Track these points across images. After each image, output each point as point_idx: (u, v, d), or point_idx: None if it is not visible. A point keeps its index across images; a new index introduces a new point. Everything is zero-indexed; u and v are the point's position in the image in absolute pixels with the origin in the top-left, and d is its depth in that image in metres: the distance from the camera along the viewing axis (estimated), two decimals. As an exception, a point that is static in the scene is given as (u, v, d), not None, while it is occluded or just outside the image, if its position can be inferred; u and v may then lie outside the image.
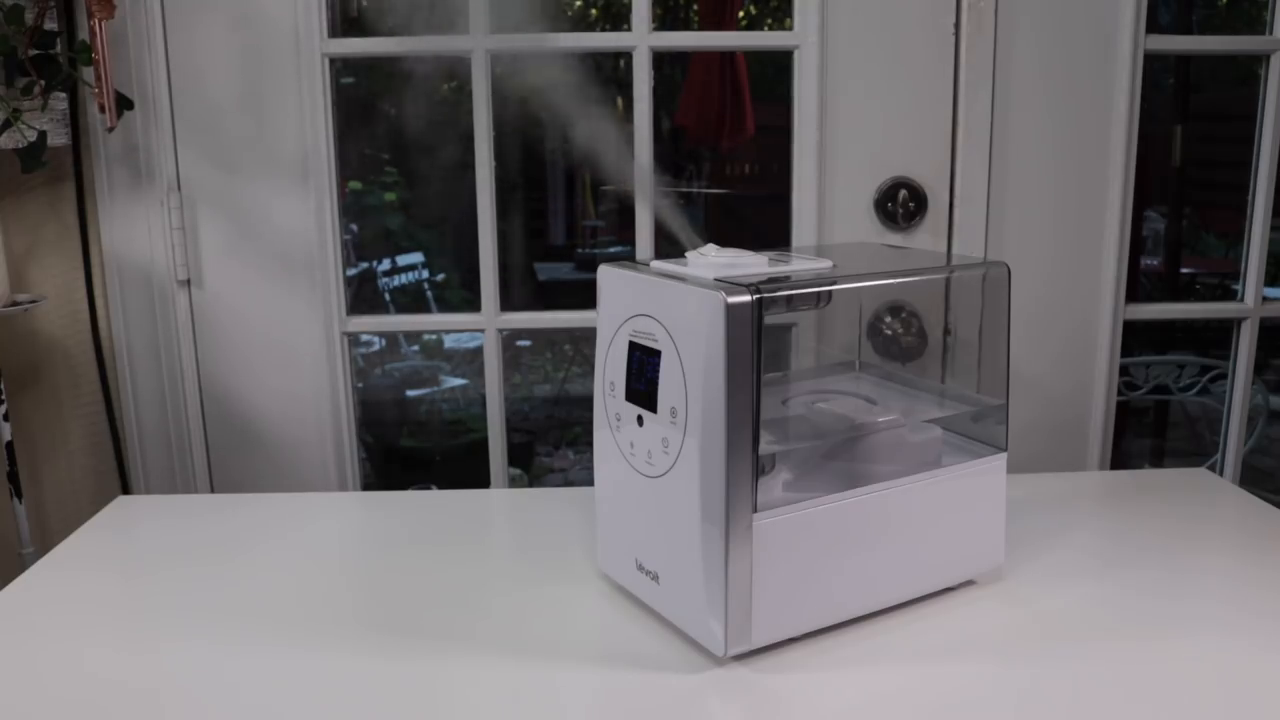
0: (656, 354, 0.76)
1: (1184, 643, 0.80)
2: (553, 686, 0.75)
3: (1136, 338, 2.52)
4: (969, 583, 0.89)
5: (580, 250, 3.85)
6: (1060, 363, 1.40)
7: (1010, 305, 0.87)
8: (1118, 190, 1.35)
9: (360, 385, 3.04)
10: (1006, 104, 1.33)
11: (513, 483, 1.88)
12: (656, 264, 0.80)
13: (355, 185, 3.41)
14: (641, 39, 1.31)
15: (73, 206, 1.31)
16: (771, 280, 0.74)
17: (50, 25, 1.23)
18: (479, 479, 1.44)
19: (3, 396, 1.28)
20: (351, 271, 3.40)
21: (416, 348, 3.41)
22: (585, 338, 3.08)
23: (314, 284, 1.35)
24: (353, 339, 1.42)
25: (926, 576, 0.85)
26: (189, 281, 1.35)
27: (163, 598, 0.90)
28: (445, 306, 3.61)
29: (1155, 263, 3.11)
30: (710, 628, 0.76)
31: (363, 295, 3.44)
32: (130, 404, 1.37)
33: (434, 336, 3.40)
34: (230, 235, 1.34)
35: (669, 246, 0.86)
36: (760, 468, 0.73)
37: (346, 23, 1.36)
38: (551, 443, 3.17)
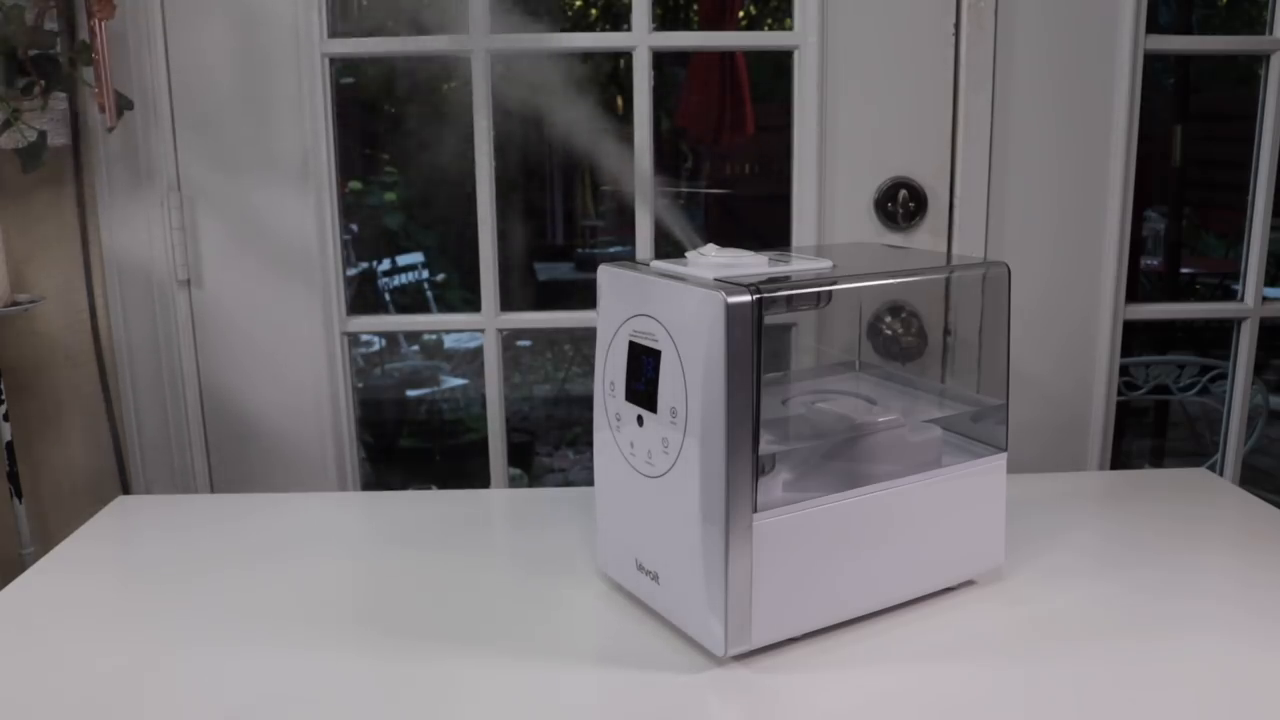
0: (656, 354, 0.76)
1: (1184, 642, 0.80)
2: (553, 686, 0.75)
3: (1136, 338, 2.52)
4: (969, 583, 0.89)
5: (580, 250, 3.85)
6: (1060, 363, 1.39)
7: (1010, 305, 0.87)
8: (1118, 190, 1.35)
9: (360, 385, 3.04)
10: (1006, 104, 1.32)
11: (513, 483, 1.88)
12: (656, 264, 0.80)
13: (355, 185, 3.41)
14: (641, 39, 1.31)
15: (73, 206, 1.31)
16: (771, 280, 0.74)
17: (50, 25, 1.23)
18: (479, 479, 1.44)
19: (3, 396, 1.28)
20: (351, 271, 3.40)
21: (416, 348, 3.41)
22: (585, 338, 3.08)
23: (314, 284, 1.35)
24: (353, 339, 1.42)
25: (926, 576, 0.85)
26: (189, 281, 1.35)
27: (162, 597, 0.90)
28: (445, 306, 3.61)
29: (1155, 263, 3.12)
30: (710, 628, 0.76)
31: (363, 295, 3.44)
32: (130, 404, 1.36)
33: (434, 336, 3.41)
34: (230, 235, 1.34)
35: (669, 246, 0.86)
36: (760, 468, 0.73)
37: (347, 23, 1.36)
38: (551, 443, 3.17)
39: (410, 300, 3.55)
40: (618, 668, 0.77)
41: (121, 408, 1.37)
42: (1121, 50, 1.32)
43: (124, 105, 1.24)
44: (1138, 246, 1.99)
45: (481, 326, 1.39)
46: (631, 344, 0.79)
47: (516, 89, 1.34)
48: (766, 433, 0.75)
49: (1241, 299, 1.44)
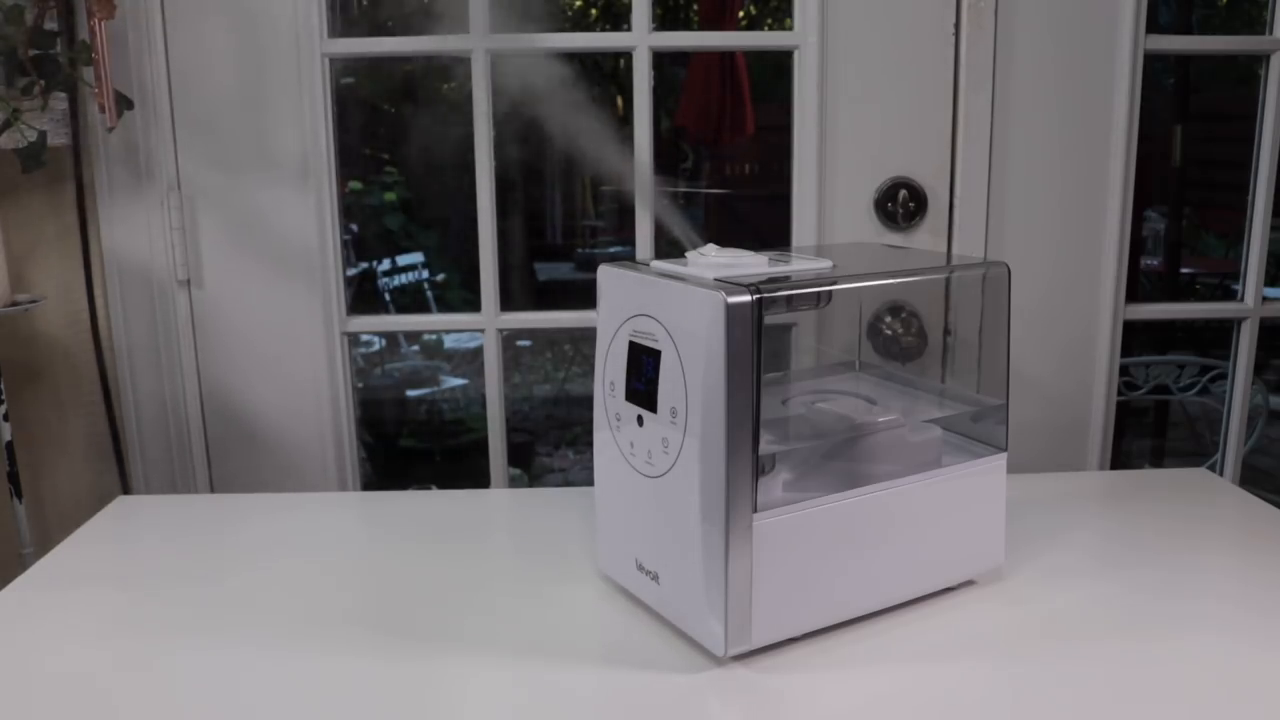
0: (656, 354, 0.76)
1: (1184, 642, 0.80)
2: (553, 686, 0.75)
3: (1136, 338, 2.52)
4: (969, 583, 0.89)
5: (580, 250, 3.86)
6: (1060, 363, 1.39)
7: (1010, 305, 0.87)
8: (1118, 190, 1.35)
9: (360, 385, 3.04)
10: (1006, 104, 1.32)
11: (513, 483, 1.88)
12: (656, 264, 0.80)
13: (355, 185, 3.41)
14: (641, 39, 1.31)
15: (73, 206, 1.31)
16: (771, 280, 0.74)
17: (50, 25, 1.23)
18: (479, 479, 1.44)
19: (3, 396, 1.28)
20: (351, 271, 3.40)
21: (416, 348, 3.41)
22: (585, 338, 3.08)
23: (314, 284, 1.35)
24: (353, 339, 1.42)
25: (926, 576, 0.85)
26: (189, 281, 1.35)
27: (162, 597, 0.90)
28: (445, 306, 3.62)
29: (1155, 263, 3.12)
30: (710, 628, 0.76)
31: (363, 295, 3.45)
32: (130, 404, 1.36)
33: (434, 336, 3.41)
34: (230, 235, 1.34)
35: (669, 246, 0.86)
36: (760, 468, 0.73)
37: (347, 22, 1.36)
38: (551, 443, 3.17)
39: (410, 300, 3.56)
40: (618, 668, 0.77)
41: (121, 408, 1.37)
42: (1121, 50, 1.32)
43: (124, 105, 1.24)
44: (1138, 246, 1.99)
45: (481, 326, 1.39)
46: (631, 344, 0.79)
47: (516, 89, 1.34)
48: (766, 433, 0.75)
49: (1241, 299, 1.44)
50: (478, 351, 1.93)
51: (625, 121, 1.33)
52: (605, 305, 0.82)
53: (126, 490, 1.37)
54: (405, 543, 1.02)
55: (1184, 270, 3.22)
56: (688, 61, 2.81)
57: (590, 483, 0.88)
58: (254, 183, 1.33)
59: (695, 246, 0.81)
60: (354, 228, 3.51)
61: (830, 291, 0.79)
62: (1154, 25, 1.33)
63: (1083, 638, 0.81)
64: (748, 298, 0.71)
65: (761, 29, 3.51)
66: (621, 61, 1.39)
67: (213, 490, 1.39)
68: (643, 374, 0.77)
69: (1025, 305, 1.32)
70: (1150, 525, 1.03)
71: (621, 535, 0.85)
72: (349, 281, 1.41)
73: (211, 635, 0.83)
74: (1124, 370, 2.25)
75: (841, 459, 0.81)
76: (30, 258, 1.33)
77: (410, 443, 2.93)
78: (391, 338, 3.31)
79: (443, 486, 2.29)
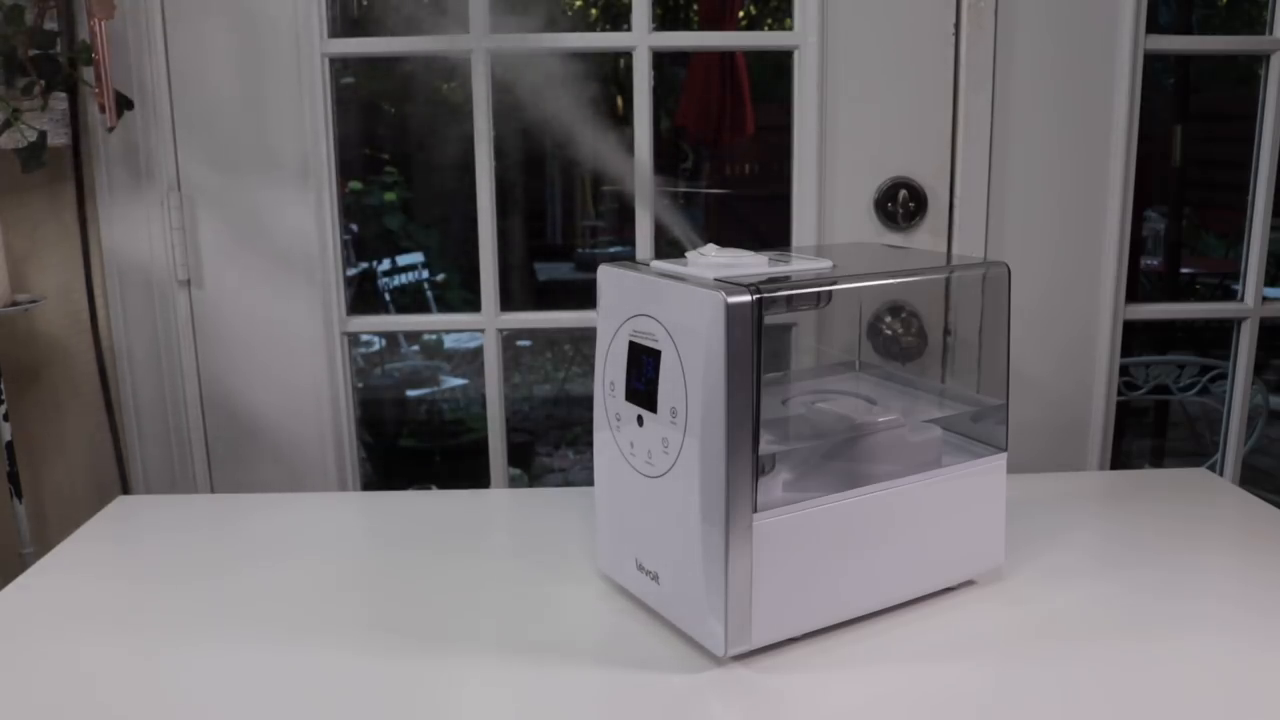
0: (656, 354, 0.76)
1: (1184, 642, 0.81)
2: (553, 686, 0.75)
3: (1136, 338, 2.52)
4: (969, 583, 0.89)
5: (580, 250, 3.86)
6: (1060, 363, 1.39)
7: (1010, 305, 0.87)
8: (1118, 190, 1.35)
9: (360, 385, 3.04)
10: (1006, 104, 1.32)
11: (513, 483, 1.88)
12: (656, 264, 0.80)
13: (355, 185, 3.41)
14: (641, 39, 1.31)
15: (73, 206, 1.31)
16: (771, 280, 0.74)
17: (50, 25, 1.23)
18: (479, 479, 1.44)
19: (3, 396, 1.28)
20: (351, 271, 3.40)
21: (416, 348, 3.41)
22: (585, 338, 3.08)
23: (314, 284, 1.35)
24: (353, 339, 1.42)
25: (926, 576, 0.85)
26: (189, 281, 1.35)
27: (162, 597, 0.90)
28: (445, 306, 3.62)
29: (1155, 263, 3.12)
30: (710, 628, 0.76)
31: (363, 295, 3.44)
32: (130, 404, 1.36)
33: (434, 336, 3.41)
34: (230, 235, 1.34)
35: (669, 247, 0.86)
36: (760, 468, 0.73)
37: (347, 22, 1.36)
38: (551, 443, 3.17)
39: (410, 300, 3.56)
40: (618, 668, 0.77)
41: (121, 408, 1.37)
42: (1121, 50, 1.32)
43: (124, 105, 1.24)
44: (1138, 246, 1.99)
45: (481, 326, 1.39)
46: (631, 344, 0.79)
47: (516, 89, 1.34)
48: (766, 433, 0.75)
49: (1241, 299, 1.44)
50: (478, 351, 1.93)
51: (625, 121, 1.33)
52: (605, 305, 0.82)
53: (126, 490, 1.37)
54: (405, 542, 1.02)
55: (1184, 270, 3.22)
56: (688, 61, 2.81)
57: (590, 483, 0.88)
58: (254, 183, 1.33)
59: (695, 246, 0.81)
60: (354, 228, 3.51)
61: (830, 291, 0.79)
62: (1154, 25, 1.33)
63: (1083, 638, 0.81)
64: (748, 298, 0.71)
65: (761, 29, 3.51)
66: (621, 61, 1.38)
67: (213, 490, 1.39)
68: (643, 374, 0.77)
69: (1025, 305, 1.32)
70: (1150, 525, 1.03)
71: (621, 535, 0.85)
72: (349, 281, 1.41)
73: (211, 635, 0.83)
74: (1124, 370, 2.25)
75: (841, 459, 0.81)
76: (30, 258, 1.33)
77: (410, 443, 2.93)
78: (391, 338, 3.31)
79: (443, 486, 2.30)
